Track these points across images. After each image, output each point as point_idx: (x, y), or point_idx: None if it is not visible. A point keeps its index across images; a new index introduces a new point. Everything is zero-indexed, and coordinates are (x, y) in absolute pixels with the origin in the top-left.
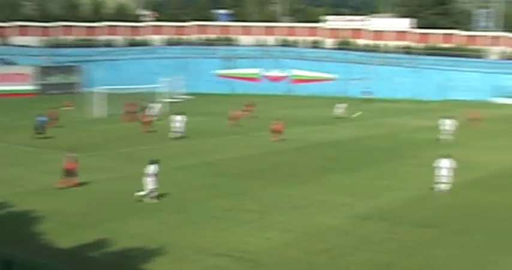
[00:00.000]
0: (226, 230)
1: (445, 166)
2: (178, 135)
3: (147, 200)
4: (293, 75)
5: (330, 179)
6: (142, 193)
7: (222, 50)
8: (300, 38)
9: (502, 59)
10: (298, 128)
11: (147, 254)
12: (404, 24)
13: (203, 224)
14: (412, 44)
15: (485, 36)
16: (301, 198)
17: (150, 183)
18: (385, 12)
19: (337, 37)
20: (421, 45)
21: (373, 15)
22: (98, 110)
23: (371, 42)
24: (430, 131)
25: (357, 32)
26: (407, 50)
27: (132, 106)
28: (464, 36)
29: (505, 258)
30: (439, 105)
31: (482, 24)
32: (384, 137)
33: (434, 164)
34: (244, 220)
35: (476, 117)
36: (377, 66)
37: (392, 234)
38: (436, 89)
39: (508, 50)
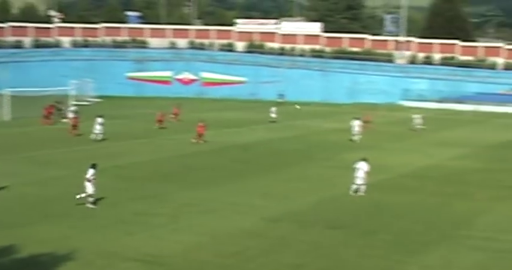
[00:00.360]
0: (137, 234)
1: (362, 168)
2: (99, 137)
3: (87, 204)
4: (204, 78)
5: (243, 182)
6: (82, 195)
7: (133, 53)
8: (212, 41)
9: (410, 63)
10: (211, 130)
11: (55, 260)
12: (314, 28)
13: (113, 228)
14: (322, 48)
15: (393, 40)
16: (214, 201)
17: (89, 188)
18: (295, 16)
19: (248, 40)
20: (331, 49)
21: (284, 19)
22: (2, 113)
23: (281, 45)
24: (341, 133)
25: (267, 35)
26: (317, 54)
27: (50, 109)
28: (373, 40)
29: (410, 257)
30: (350, 108)
31: (390, 29)
32: (296, 139)
33: (354, 166)
34: (156, 224)
35: (369, 119)
36: (287, 69)
37: (304, 236)
38: (345, 92)
39: (415, 54)
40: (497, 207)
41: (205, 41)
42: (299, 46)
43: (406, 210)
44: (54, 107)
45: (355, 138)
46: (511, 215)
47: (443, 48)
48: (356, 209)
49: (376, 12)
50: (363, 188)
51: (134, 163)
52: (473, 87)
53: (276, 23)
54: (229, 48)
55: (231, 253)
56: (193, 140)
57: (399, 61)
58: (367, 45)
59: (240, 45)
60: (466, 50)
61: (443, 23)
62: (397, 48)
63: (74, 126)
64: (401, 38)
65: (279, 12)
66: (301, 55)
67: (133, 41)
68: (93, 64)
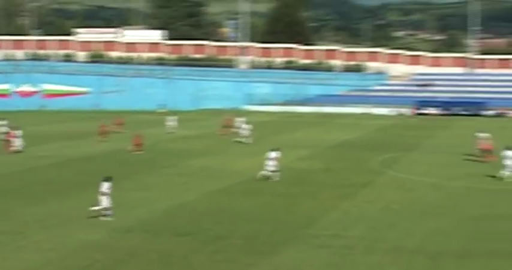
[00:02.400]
0: None
1: (273, 157)
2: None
3: (102, 217)
4: (45, 90)
5: (88, 194)
6: (96, 208)
7: None
8: (51, 52)
9: (252, 68)
10: (53, 143)
11: None
12: (156, 36)
13: None
14: (165, 56)
15: (235, 46)
16: (60, 215)
17: (104, 201)
18: (137, 24)
19: (90, 50)
20: (174, 56)
21: (126, 27)
22: None
23: (124, 54)
24: (187, 140)
25: (109, 44)
26: (160, 62)
27: None
28: (215, 46)
29: (261, 260)
30: (195, 115)
31: (232, 35)
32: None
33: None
34: None
35: (230, 124)
36: (131, 78)
37: (154, 245)
38: (190, 99)
39: (257, 59)
40: (340, 205)
41: (46, 52)
42: (142, 54)
43: (255, 213)
44: None
45: (244, 139)
46: (352, 212)
47: (284, 52)
48: (205, 215)
49: (218, 19)
50: (276, 174)
51: None
52: (314, 90)
53: (116, 32)
54: (70, 58)
55: (79, 267)
56: (131, 149)
57: (242, 66)
58: (210, 52)
59: (82, 55)
60: (306, 54)
61: (283, 27)
62: (240, 54)
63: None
64: (243, 44)
65: (120, 21)
66: (144, 63)
67: None
68: None
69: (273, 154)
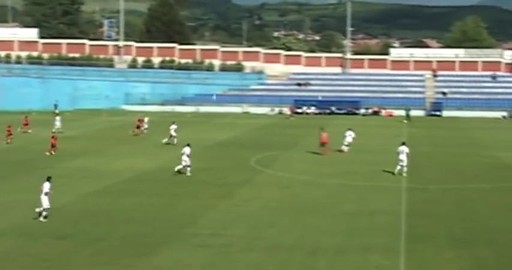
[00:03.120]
0: None
1: (186, 151)
2: None
3: (41, 218)
4: None
5: None
6: (37, 210)
7: None
8: None
9: (131, 67)
10: None
11: None
12: (31, 34)
13: None
14: (40, 54)
15: (114, 45)
16: None
17: (44, 202)
18: (10, 22)
19: None
20: (49, 55)
21: None
22: None
23: None
24: (65, 140)
25: None
26: (35, 60)
27: None
28: (92, 45)
29: (139, 261)
30: (72, 115)
31: (109, 33)
32: (17, 150)
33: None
34: None
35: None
36: (2, 77)
37: (29, 249)
38: (66, 98)
39: (135, 58)
40: (219, 204)
41: None
42: (15, 53)
43: (133, 214)
44: None
45: (168, 140)
46: (232, 211)
47: (163, 51)
48: (82, 217)
49: (95, 17)
50: (189, 169)
51: None
52: (193, 89)
53: None
54: None
55: None
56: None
57: (120, 65)
58: (87, 51)
59: None
60: (184, 53)
61: (161, 27)
62: (118, 53)
63: None
64: (121, 43)
65: None
66: (17, 62)
67: None
68: None
69: (186, 149)
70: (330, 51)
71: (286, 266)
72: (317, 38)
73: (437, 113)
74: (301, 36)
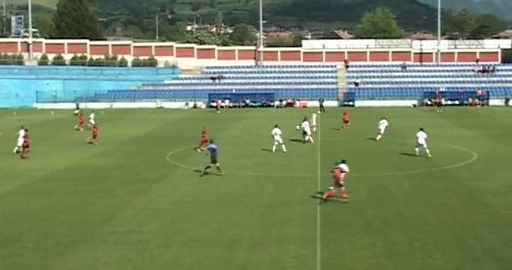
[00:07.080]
0: None
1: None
2: None
3: None
4: None
5: None
6: None
7: None
8: None
9: (41, 64)
10: None
11: None
12: None
13: None
14: None
15: (23, 42)
16: None
17: None
18: None
19: None
20: None
21: None
22: None
23: None
24: None
25: None
26: None
27: None
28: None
29: (55, 262)
30: None
31: (17, 30)
32: None
33: None
34: None
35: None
36: None
37: None
38: None
39: (46, 55)
40: (135, 201)
41: None
42: None
43: (47, 214)
44: None
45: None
46: (148, 207)
47: (74, 48)
48: None
49: (1, 13)
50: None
51: None
52: (106, 85)
53: None
54: None
55: None
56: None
57: (29, 63)
58: None
59: None
60: (96, 49)
61: (71, 22)
62: (27, 50)
63: None
64: (30, 39)
65: None
66: None
67: None
68: None
69: (277, 130)
70: (243, 44)
71: (204, 260)
72: (230, 31)
73: (350, 103)
74: (214, 29)
